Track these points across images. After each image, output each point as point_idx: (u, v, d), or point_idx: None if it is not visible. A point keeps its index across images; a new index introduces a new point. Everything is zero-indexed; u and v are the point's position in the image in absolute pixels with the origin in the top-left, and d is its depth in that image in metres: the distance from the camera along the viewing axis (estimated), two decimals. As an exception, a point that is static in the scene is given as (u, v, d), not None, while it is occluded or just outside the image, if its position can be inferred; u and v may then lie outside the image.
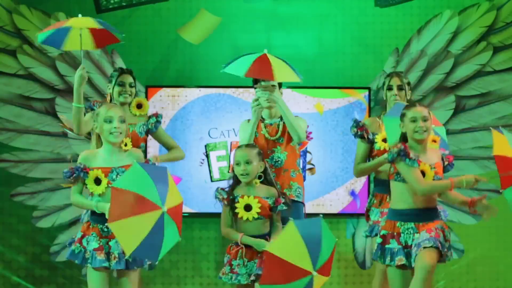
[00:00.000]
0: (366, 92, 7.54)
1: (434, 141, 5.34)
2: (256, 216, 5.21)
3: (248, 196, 5.24)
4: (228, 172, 7.44)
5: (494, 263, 7.68)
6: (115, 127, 4.91)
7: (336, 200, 7.53)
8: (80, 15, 5.53)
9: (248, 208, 5.22)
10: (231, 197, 5.30)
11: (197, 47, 7.60)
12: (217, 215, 7.26)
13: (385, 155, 5.19)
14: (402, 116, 5.07)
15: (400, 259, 4.95)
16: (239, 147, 5.43)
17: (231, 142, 7.47)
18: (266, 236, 5.26)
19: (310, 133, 7.51)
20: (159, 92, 7.50)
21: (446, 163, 5.15)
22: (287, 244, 4.58)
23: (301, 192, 5.75)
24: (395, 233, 5.02)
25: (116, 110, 4.99)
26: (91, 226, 4.98)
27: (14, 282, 7.57)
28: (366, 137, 5.82)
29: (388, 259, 5.00)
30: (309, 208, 7.48)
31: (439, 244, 4.89)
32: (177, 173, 7.29)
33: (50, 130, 7.53)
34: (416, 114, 5.01)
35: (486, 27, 7.60)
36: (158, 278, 7.63)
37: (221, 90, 7.51)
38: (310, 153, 7.48)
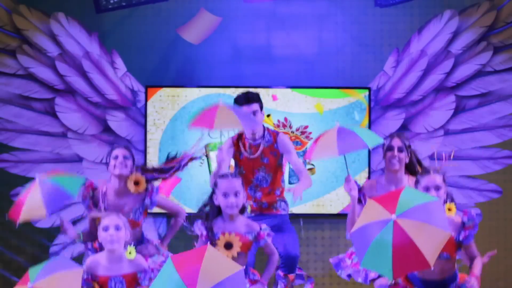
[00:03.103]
0: (366, 92, 7.53)
1: (449, 209, 4.90)
2: (236, 254, 4.92)
3: (230, 234, 4.94)
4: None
5: (494, 263, 7.66)
6: (110, 234, 5.00)
7: (336, 200, 7.52)
8: None
9: (229, 246, 4.93)
10: (209, 233, 4.97)
11: (197, 47, 7.60)
12: (217, 215, 7.30)
13: None
14: (416, 183, 4.92)
15: None
16: (223, 176, 5.00)
17: (231, 142, 7.46)
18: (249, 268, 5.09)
19: (310, 133, 7.52)
20: (159, 92, 7.50)
21: (461, 238, 4.80)
22: None
23: (286, 206, 5.80)
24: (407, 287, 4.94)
25: (112, 218, 5.05)
26: None
27: (14, 282, 7.57)
28: (362, 201, 5.64)
29: None
30: (309, 208, 7.49)
31: None
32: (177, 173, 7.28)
33: (50, 130, 7.53)
34: (429, 183, 4.82)
35: (486, 27, 7.60)
36: (158, 278, 7.62)
37: (221, 90, 7.50)
38: (310, 153, 7.48)
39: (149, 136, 7.48)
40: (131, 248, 5.03)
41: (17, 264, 7.59)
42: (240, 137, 5.83)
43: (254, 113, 5.65)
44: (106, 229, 4.99)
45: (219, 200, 4.94)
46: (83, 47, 7.51)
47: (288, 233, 5.80)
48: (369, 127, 7.49)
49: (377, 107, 7.62)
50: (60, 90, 7.53)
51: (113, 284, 4.98)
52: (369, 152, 7.48)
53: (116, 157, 5.64)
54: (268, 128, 5.82)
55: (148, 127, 7.48)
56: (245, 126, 5.56)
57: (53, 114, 7.52)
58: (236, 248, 4.92)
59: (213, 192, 5.00)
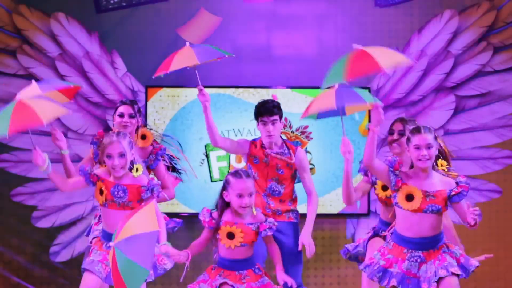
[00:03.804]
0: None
1: (441, 165, 5.12)
2: (238, 244, 4.95)
3: (231, 226, 4.95)
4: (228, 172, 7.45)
5: (494, 263, 7.67)
6: (115, 164, 4.99)
7: (336, 200, 7.53)
8: None
9: (230, 236, 4.96)
10: (214, 220, 4.99)
11: (197, 47, 7.60)
12: (217, 215, 7.30)
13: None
14: (407, 140, 4.97)
15: (393, 281, 4.91)
16: (236, 175, 4.99)
17: (231, 142, 7.46)
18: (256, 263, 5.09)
19: (310, 133, 7.53)
20: (159, 92, 7.50)
21: (453, 193, 4.95)
22: None
23: (298, 215, 5.79)
24: (399, 258, 4.96)
25: (115, 146, 5.01)
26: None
27: (14, 282, 7.57)
28: (369, 175, 5.65)
29: (385, 282, 4.95)
30: (309, 208, 7.48)
31: (453, 270, 4.86)
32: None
33: (50, 130, 7.52)
34: (420, 141, 4.87)
35: (486, 27, 7.60)
36: (158, 278, 7.60)
37: (221, 90, 7.51)
38: (310, 153, 7.48)
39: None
40: (138, 165, 5.05)
41: (17, 264, 7.60)
42: (258, 142, 5.76)
43: (273, 122, 5.62)
44: (110, 157, 4.98)
45: (230, 198, 4.94)
46: (83, 47, 7.52)
47: (294, 265, 5.70)
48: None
49: (377, 107, 7.62)
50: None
51: (116, 190, 4.98)
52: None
53: (121, 115, 5.68)
54: (286, 141, 5.79)
55: (148, 127, 7.47)
56: (264, 134, 5.63)
57: (53, 114, 7.51)
58: (238, 239, 4.94)
59: (223, 189, 4.98)
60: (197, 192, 7.46)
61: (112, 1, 7.58)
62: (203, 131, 7.45)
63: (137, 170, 5.05)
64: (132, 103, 5.83)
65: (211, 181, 7.47)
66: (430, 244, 4.93)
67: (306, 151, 7.46)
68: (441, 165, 5.09)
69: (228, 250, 4.97)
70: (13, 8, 7.47)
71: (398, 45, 7.66)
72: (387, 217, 5.59)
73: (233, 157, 7.46)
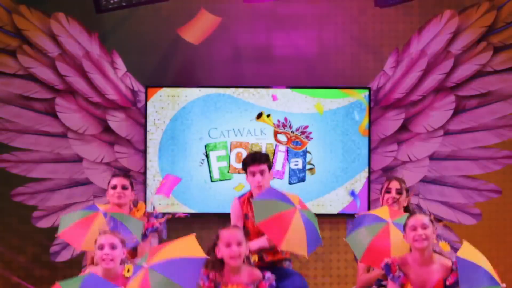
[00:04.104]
0: (366, 92, 7.54)
1: (444, 247, 5.07)
2: None
3: (232, 286, 4.84)
4: (228, 172, 7.46)
5: (494, 263, 7.66)
6: (105, 254, 4.88)
7: (336, 200, 7.53)
8: None
9: None
10: (213, 283, 4.85)
11: (197, 47, 7.60)
12: (217, 215, 7.31)
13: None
14: (404, 226, 4.96)
15: None
16: (224, 228, 4.93)
17: (231, 142, 7.47)
18: None
19: (310, 133, 7.53)
20: (159, 92, 7.50)
21: (447, 283, 4.90)
22: None
23: (290, 264, 5.75)
24: None
25: (107, 237, 4.93)
26: None
27: (14, 282, 7.58)
28: None
29: None
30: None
31: None
32: (177, 173, 7.29)
33: (50, 130, 7.53)
34: (415, 222, 4.88)
35: (486, 27, 7.59)
36: None
37: (221, 90, 7.51)
38: (310, 153, 7.49)
39: (149, 136, 7.49)
40: (129, 266, 4.96)
41: (17, 264, 7.60)
42: (246, 197, 5.70)
43: (262, 172, 5.57)
44: (101, 247, 4.88)
45: (222, 251, 4.83)
46: (83, 47, 7.51)
47: (296, 276, 5.69)
48: (369, 127, 7.50)
49: (377, 107, 7.62)
50: (60, 90, 7.53)
51: None
52: (369, 151, 7.48)
53: (114, 187, 5.61)
54: None
55: (148, 127, 7.48)
56: (253, 185, 5.55)
57: (53, 114, 7.52)
58: None
59: (215, 245, 4.87)
60: (197, 192, 7.46)
61: (112, 1, 7.57)
62: (203, 131, 7.50)
63: (128, 271, 4.98)
64: (125, 175, 5.75)
65: (211, 181, 7.47)
66: None
67: (306, 151, 7.47)
68: (444, 247, 5.06)
69: None
70: (13, 8, 7.47)
71: (398, 45, 7.67)
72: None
73: (233, 157, 7.47)
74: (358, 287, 5.68)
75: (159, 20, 7.66)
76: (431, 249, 4.89)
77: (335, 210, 7.55)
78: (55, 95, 7.52)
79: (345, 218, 7.64)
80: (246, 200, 5.66)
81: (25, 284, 7.56)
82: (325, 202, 7.52)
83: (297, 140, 7.50)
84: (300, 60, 7.70)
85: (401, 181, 5.83)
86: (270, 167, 5.64)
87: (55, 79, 7.51)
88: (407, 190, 5.86)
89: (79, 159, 7.57)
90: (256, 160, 5.59)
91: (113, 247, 4.88)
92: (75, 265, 7.29)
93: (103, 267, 4.90)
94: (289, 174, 7.49)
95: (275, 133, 7.50)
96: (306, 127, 7.52)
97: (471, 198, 7.67)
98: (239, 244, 4.81)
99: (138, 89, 7.58)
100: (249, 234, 5.48)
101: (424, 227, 4.86)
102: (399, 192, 5.72)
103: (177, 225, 6.18)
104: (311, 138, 7.51)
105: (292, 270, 5.76)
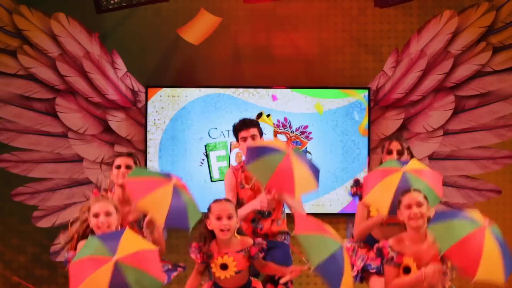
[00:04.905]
0: (366, 92, 7.55)
1: None
2: (233, 274, 4.92)
3: (222, 256, 4.92)
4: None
5: (493, 263, 7.68)
6: (101, 221, 4.90)
7: (336, 200, 7.54)
8: None
9: (224, 267, 4.91)
10: (205, 255, 4.94)
11: (197, 47, 7.61)
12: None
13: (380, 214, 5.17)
14: (398, 203, 4.91)
15: None
16: (215, 200, 4.99)
17: (231, 142, 7.48)
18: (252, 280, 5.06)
19: (310, 133, 7.54)
20: (159, 92, 7.51)
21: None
22: None
23: (287, 236, 5.66)
24: None
25: (101, 205, 4.94)
26: None
27: (14, 282, 7.58)
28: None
29: None
30: (309, 208, 7.49)
31: None
32: (177, 173, 7.28)
33: (50, 130, 7.54)
34: (410, 200, 4.84)
35: (486, 27, 7.60)
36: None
37: (221, 90, 7.52)
38: (310, 153, 7.50)
39: (149, 136, 7.50)
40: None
41: (17, 264, 7.61)
42: (239, 166, 5.68)
43: (253, 137, 5.51)
44: (96, 215, 4.90)
45: (212, 224, 4.89)
46: (83, 48, 7.52)
47: (278, 249, 5.59)
48: (369, 127, 7.51)
49: (377, 107, 7.63)
50: (60, 90, 7.54)
51: None
52: (369, 151, 7.49)
53: (118, 167, 5.53)
54: None
55: (149, 127, 7.49)
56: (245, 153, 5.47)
57: (53, 114, 7.53)
58: (232, 268, 4.90)
59: (206, 217, 4.93)
60: (197, 192, 7.39)
61: (112, 1, 7.58)
62: (203, 131, 7.50)
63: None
64: (129, 154, 5.65)
65: (211, 181, 7.48)
66: None
67: (306, 151, 7.48)
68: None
69: (224, 280, 4.94)
70: (14, 8, 7.47)
71: (398, 45, 7.68)
72: (378, 234, 5.52)
73: (233, 157, 7.48)
74: (355, 234, 5.59)
75: (159, 20, 7.67)
76: (426, 226, 4.81)
77: (335, 210, 7.56)
78: (55, 95, 7.53)
79: (345, 218, 7.65)
80: (240, 168, 5.63)
81: (25, 284, 7.57)
82: (325, 202, 7.53)
83: (297, 140, 7.51)
84: (300, 60, 7.70)
85: (402, 140, 5.64)
86: (261, 133, 5.58)
87: (56, 79, 7.52)
88: (408, 149, 5.66)
89: (79, 159, 7.58)
90: (246, 124, 5.54)
91: (108, 214, 4.89)
92: (76, 265, 7.29)
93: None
94: (288, 174, 7.49)
95: (275, 133, 7.51)
96: (306, 127, 7.53)
97: (470, 198, 7.68)
98: (229, 217, 4.87)
99: (138, 89, 7.58)
100: (243, 204, 5.51)
101: (419, 205, 4.82)
102: (400, 153, 5.54)
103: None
104: (311, 138, 7.52)
105: (281, 242, 5.63)
